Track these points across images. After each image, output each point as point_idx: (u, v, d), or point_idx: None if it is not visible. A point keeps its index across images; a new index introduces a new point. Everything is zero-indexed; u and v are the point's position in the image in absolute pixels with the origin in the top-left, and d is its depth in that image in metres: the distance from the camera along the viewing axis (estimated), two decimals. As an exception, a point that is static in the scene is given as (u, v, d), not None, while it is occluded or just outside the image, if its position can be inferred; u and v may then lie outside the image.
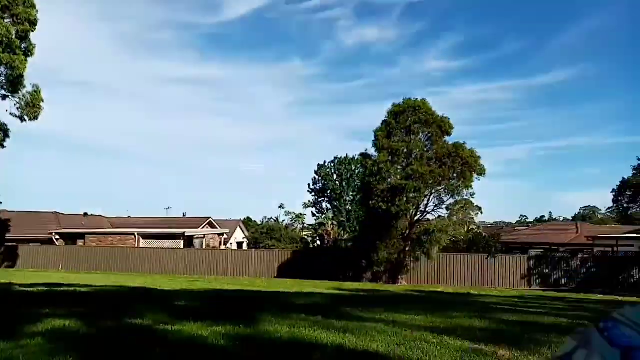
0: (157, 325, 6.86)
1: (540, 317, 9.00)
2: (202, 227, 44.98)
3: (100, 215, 50.32)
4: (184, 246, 38.78)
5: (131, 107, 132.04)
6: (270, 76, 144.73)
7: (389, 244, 27.32)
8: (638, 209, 28.92)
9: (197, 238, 42.58)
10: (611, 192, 28.27)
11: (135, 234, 39.70)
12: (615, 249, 34.07)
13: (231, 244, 52.11)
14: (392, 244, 27.43)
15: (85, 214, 47.96)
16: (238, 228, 57.40)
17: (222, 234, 49.12)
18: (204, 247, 40.70)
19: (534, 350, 5.69)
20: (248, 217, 78.30)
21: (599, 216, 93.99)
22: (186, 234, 39.83)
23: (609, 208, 31.09)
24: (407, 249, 28.03)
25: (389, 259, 27.71)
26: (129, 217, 53.72)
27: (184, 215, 55.83)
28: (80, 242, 39.57)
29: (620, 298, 20.54)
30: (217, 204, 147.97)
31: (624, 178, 27.66)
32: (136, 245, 38.49)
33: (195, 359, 4.79)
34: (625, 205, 28.09)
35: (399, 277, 28.57)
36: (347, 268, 30.93)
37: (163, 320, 7.39)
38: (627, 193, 27.36)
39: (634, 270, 27.90)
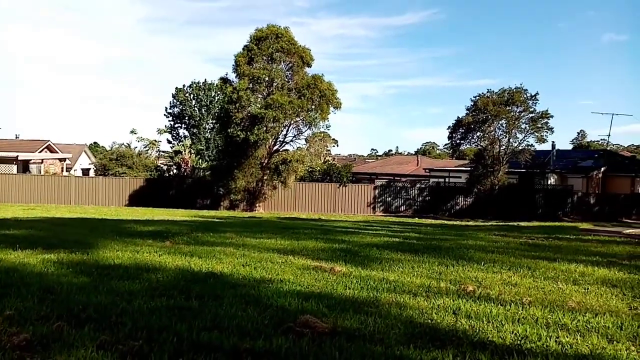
0: (-28, 255, 6.09)
1: (376, 238, 9.94)
2: (40, 152, 40.17)
3: None
4: (18, 172, 34.46)
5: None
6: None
7: (247, 173, 27.44)
8: (468, 146, 32.72)
9: (33, 163, 38.02)
10: (447, 130, 31.42)
11: (-46, 156, 34.03)
12: (447, 180, 38.73)
13: (75, 170, 47.67)
14: (251, 173, 27.60)
15: None
16: (83, 153, 52.51)
17: (64, 159, 44.50)
18: (42, 173, 36.58)
19: (366, 266, 6.28)
20: (95, 143, 72.22)
21: (437, 151, 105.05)
22: (20, 158, 35.27)
23: (445, 144, 34.73)
24: (265, 177, 28.47)
25: (247, 187, 27.95)
26: (-57, 137, 45.59)
27: (17, 137, 49.12)
28: None
29: (446, 222, 23.61)
30: (58, 126, 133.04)
31: (458, 117, 30.90)
32: (-45, 170, 33.15)
33: (8, 287, 4.36)
34: (457, 142, 31.53)
35: (257, 204, 29.12)
36: (205, 196, 30.60)
37: (-18, 250, 6.59)
38: (460, 131, 30.67)
39: (460, 199, 32.15)
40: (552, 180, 35.99)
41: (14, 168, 34.74)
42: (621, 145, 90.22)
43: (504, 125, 30.03)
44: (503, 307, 4.18)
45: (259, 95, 27.25)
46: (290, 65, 27.81)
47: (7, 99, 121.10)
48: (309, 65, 28.16)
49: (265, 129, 25.97)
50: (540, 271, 6.17)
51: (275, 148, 28.88)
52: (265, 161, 28.41)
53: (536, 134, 29.78)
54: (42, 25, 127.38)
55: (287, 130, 28.59)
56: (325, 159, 43.75)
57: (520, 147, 30.30)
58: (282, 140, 28.93)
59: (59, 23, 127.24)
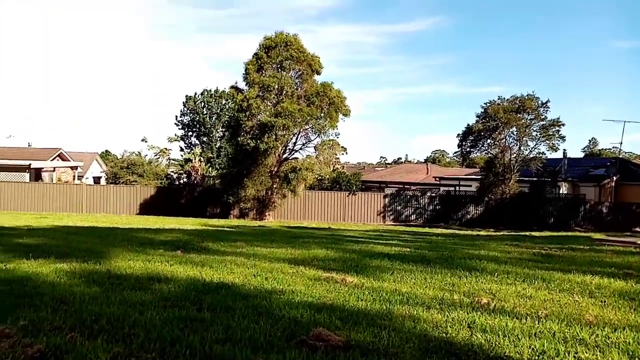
0: (-14, 265, 6.13)
1: (387, 248, 9.87)
2: (52, 160, 40.59)
3: None
4: (31, 180, 34.83)
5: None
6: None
7: (257, 181, 27.48)
8: (478, 154, 32.57)
9: (45, 171, 38.42)
10: (457, 137, 31.28)
11: (-33, 164, 34.47)
12: (458, 188, 38.51)
13: (87, 178, 48.13)
14: (260, 181, 27.64)
15: None
16: (94, 162, 53.03)
17: (75, 168, 44.96)
18: (54, 182, 36.94)
19: (378, 277, 6.23)
20: (106, 151, 72.81)
21: (447, 159, 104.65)
22: (33, 166, 35.62)
23: (455, 152, 34.62)
24: (274, 186, 28.51)
25: (257, 195, 27.98)
26: (-42, 145, 46.28)
27: (29, 145, 49.74)
28: None
29: (457, 231, 23.45)
30: (70, 135, 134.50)
31: (468, 124, 30.74)
32: (-31, 178, 33.58)
33: (21, 298, 4.38)
34: (467, 150, 31.38)
35: (266, 213, 29.13)
36: (214, 205, 30.66)
37: (-4, 258, 6.64)
38: (470, 138, 30.53)
39: (471, 207, 31.92)
40: (563, 189, 35.64)
41: (26, 176, 35.10)
42: (633, 153, 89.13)
43: (515, 133, 29.85)
44: (519, 321, 4.11)
45: (269, 103, 27.36)
46: (299, 73, 27.93)
47: (20, 107, 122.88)
48: (318, 73, 28.28)
49: (274, 137, 26.04)
50: (555, 283, 6.07)
51: (284, 156, 28.93)
52: (275, 169, 28.46)
53: (547, 142, 29.59)
54: (55, 34, 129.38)
55: (297, 138, 28.66)
56: (334, 167, 43.76)
57: (531, 155, 30.08)
58: (291, 148, 29.01)
59: (70, 32, 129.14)
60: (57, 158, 41.84)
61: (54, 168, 39.87)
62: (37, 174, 37.11)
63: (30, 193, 31.05)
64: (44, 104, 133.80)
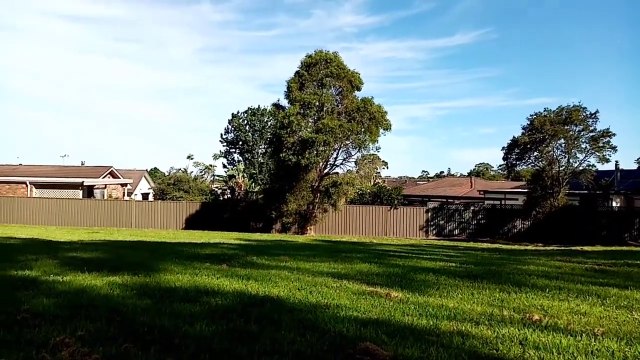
0: (46, 277, 6.45)
1: (432, 263, 9.70)
2: (103, 177, 42.36)
3: (-17, 163, 45.45)
4: (83, 196, 36.46)
5: (23, 44, 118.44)
6: (179, 19, 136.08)
7: (298, 196, 27.72)
8: (524, 166, 31.70)
9: (97, 188, 40.15)
10: (502, 150, 30.56)
11: (27, 182, 36.45)
12: (503, 202, 37.47)
13: (135, 195, 49.87)
14: (302, 196, 27.85)
15: (-35, 161, 43.02)
16: (143, 179, 54.92)
17: (125, 185, 46.74)
18: (105, 198, 38.51)
19: (423, 292, 6.14)
20: (154, 168, 75.21)
21: (492, 172, 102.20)
22: (85, 184, 37.32)
23: (500, 165, 33.82)
24: (315, 200, 28.65)
25: (298, 210, 28.18)
26: (19, 164, 49.05)
27: (82, 164, 52.23)
28: (-41, 192, 35.65)
29: (503, 246, 22.76)
30: (120, 153, 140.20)
31: (514, 137, 30.00)
32: (28, 195, 35.49)
33: (78, 309, 4.57)
34: (513, 163, 30.59)
35: (308, 227, 29.27)
36: (257, 220, 31.07)
37: (54, 271, 6.97)
38: (516, 151, 29.76)
39: (517, 222, 30.95)
40: (616, 202, 34.03)
41: (79, 193, 36.79)
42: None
43: (563, 145, 28.87)
44: (573, 338, 3.95)
45: (310, 120, 27.64)
46: (339, 89, 28.12)
47: (74, 128, 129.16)
48: (358, 89, 28.37)
49: (315, 152, 26.24)
50: (611, 299, 5.80)
51: (325, 171, 29.07)
52: (316, 184, 28.62)
53: (598, 154, 28.41)
54: (109, 55, 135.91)
55: (337, 154, 28.75)
56: (375, 181, 43.52)
57: (580, 168, 28.97)
58: (332, 163, 29.11)
59: (123, 54, 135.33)
60: (108, 176, 43.62)
61: (105, 185, 41.59)
62: (89, 191, 38.82)
63: (83, 209, 32.44)
64: (97, 123, 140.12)
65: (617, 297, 5.97)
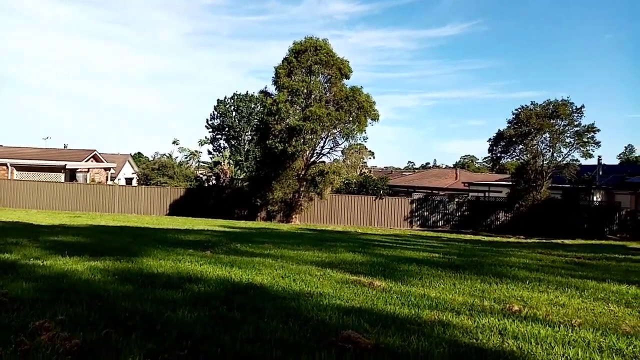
0: (25, 260, 6.36)
1: (415, 253, 9.79)
2: (86, 161, 41.76)
3: (-38, 143, 44.50)
4: (66, 180, 35.93)
5: (5, 24, 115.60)
6: (168, 1, 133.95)
7: (284, 184, 27.66)
8: (509, 159, 32.02)
9: (80, 172, 39.59)
10: (487, 142, 30.81)
11: (8, 164, 35.75)
12: (487, 194, 37.86)
13: (119, 179, 49.33)
14: (287, 184, 27.81)
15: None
16: (127, 163, 54.30)
17: (108, 169, 46.18)
18: (88, 182, 38.00)
19: (406, 281, 6.19)
20: (138, 152, 74.44)
21: (477, 165, 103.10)
22: (68, 167, 36.76)
23: (485, 158, 34.08)
24: (301, 189, 28.63)
25: (284, 198, 28.15)
26: (0, 145, 48.11)
27: (65, 146, 51.45)
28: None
29: (486, 238, 23.05)
30: (104, 137, 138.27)
31: (499, 130, 30.24)
32: (9, 178, 34.86)
33: (58, 293, 4.52)
34: (498, 155, 30.87)
35: (293, 216, 29.28)
36: (242, 207, 30.97)
37: (34, 255, 6.88)
38: (501, 144, 30.01)
39: (500, 214, 31.32)
40: (598, 197, 34.62)
41: (61, 176, 36.24)
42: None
43: (548, 139, 29.20)
44: (551, 329, 4.02)
45: (297, 107, 27.51)
46: (328, 77, 28.01)
47: (56, 110, 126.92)
48: (347, 77, 28.28)
49: (302, 140, 26.17)
50: (589, 292, 5.92)
51: (312, 160, 29.03)
52: (302, 173, 28.57)
53: (582, 149, 28.81)
54: (94, 37, 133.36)
55: (324, 142, 28.73)
56: (361, 171, 43.61)
57: (564, 162, 29.37)
58: (319, 152, 29.08)
59: (109, 37, 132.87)
60: (91, 159, 43.03)
61: (88, 169, 41.03)
62: (71, 175, 38.26)
63: (65, 193, 31.99)
64: (79, 105, 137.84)
65: (595, 289, 6.10)
